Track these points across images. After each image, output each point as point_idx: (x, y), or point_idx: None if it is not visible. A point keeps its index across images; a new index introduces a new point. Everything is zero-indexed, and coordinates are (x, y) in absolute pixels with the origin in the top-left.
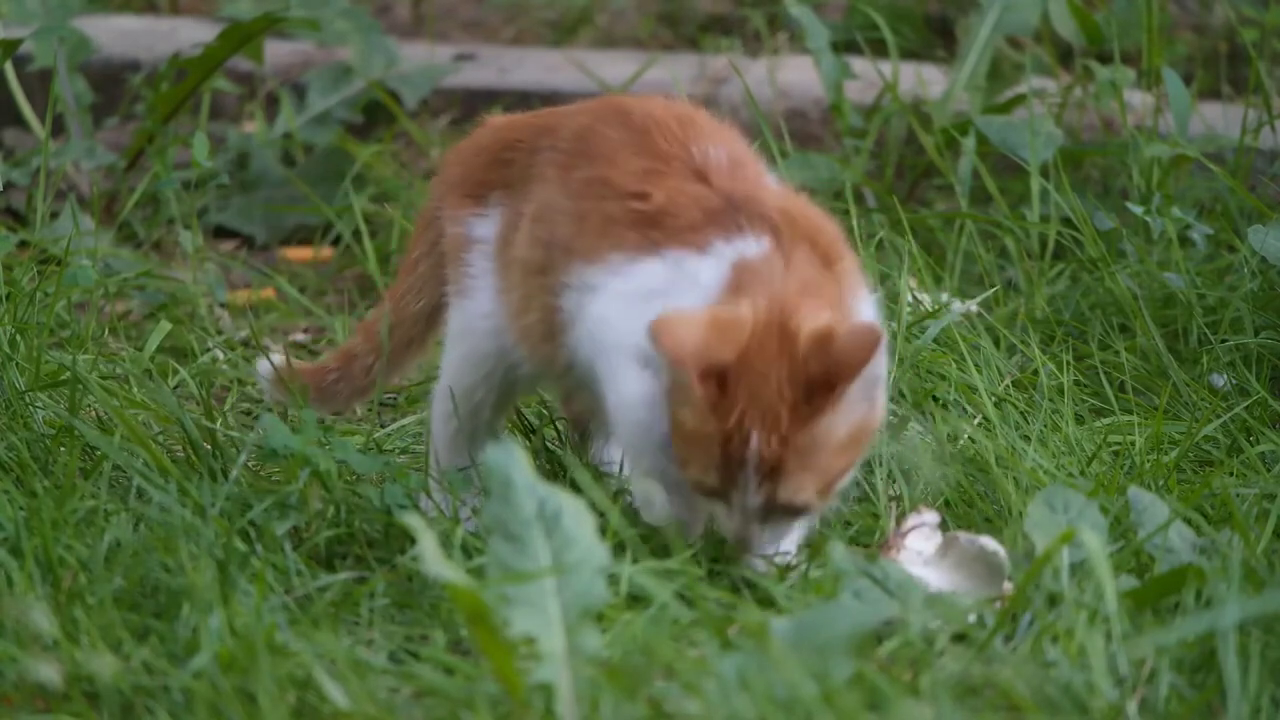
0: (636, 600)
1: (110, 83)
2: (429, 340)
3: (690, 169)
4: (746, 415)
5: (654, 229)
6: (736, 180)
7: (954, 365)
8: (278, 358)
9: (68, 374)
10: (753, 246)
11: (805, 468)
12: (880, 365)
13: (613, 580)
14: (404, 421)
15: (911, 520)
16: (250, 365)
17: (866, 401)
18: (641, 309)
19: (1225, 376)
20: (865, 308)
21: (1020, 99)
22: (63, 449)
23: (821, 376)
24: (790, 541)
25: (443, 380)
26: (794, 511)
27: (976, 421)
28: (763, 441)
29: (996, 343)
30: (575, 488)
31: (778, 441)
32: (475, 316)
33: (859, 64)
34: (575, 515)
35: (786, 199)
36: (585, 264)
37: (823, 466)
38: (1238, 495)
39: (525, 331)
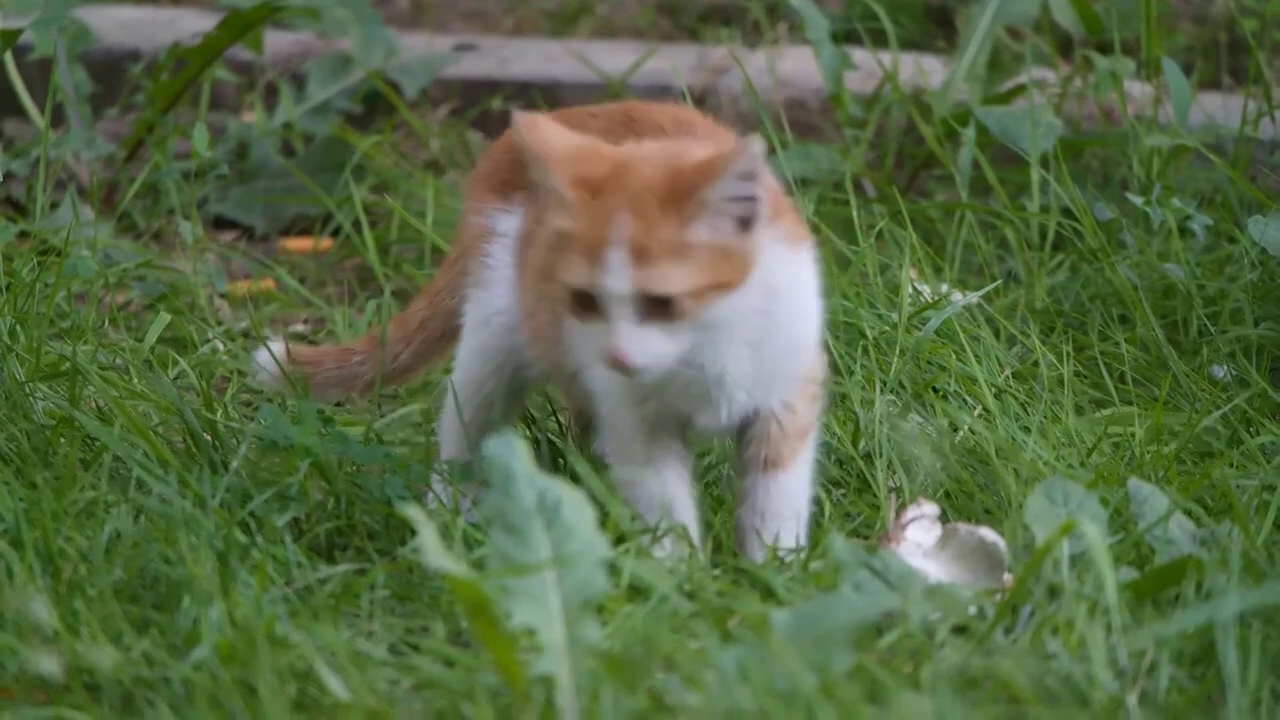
0: (637, 592)
1: (110, 73)
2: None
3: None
4: (616, 205)
5: None
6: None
7: (954, 356)
8: (278, 346)
9: (68, 365)
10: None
11: (672, 258)
12: (758, 182)
13: (613, 572)
14: (404, 411)
15: (911, 512)
16: (251, 355)
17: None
18: None
19: (1225, 368)
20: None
21: (1020, 89)
22: (63, 440)
23: (690, 181)
24: (790, 535)
25: (456, 372)
26: (662, 305)
27: (977, 413)
28: (630, 225)
29: (996, 334)
30: (576, 479)
31: (645, 228)
32: (490, 311)
33: (859, 54)
34: (575, 507)
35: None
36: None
37: (691, 266)
38: (1238, 487)
39: (537, 333)
